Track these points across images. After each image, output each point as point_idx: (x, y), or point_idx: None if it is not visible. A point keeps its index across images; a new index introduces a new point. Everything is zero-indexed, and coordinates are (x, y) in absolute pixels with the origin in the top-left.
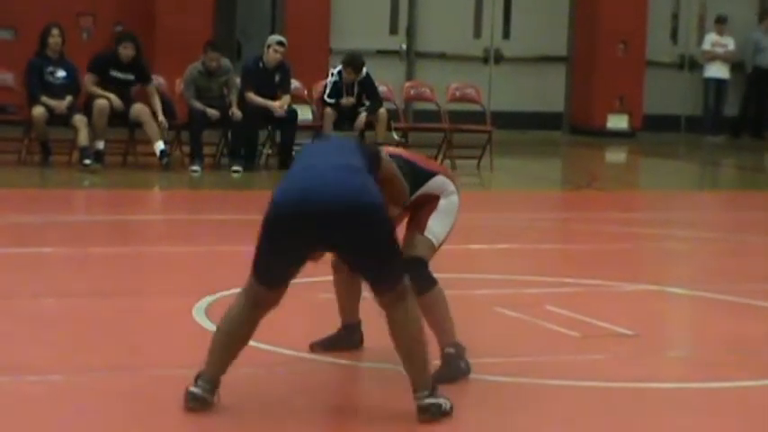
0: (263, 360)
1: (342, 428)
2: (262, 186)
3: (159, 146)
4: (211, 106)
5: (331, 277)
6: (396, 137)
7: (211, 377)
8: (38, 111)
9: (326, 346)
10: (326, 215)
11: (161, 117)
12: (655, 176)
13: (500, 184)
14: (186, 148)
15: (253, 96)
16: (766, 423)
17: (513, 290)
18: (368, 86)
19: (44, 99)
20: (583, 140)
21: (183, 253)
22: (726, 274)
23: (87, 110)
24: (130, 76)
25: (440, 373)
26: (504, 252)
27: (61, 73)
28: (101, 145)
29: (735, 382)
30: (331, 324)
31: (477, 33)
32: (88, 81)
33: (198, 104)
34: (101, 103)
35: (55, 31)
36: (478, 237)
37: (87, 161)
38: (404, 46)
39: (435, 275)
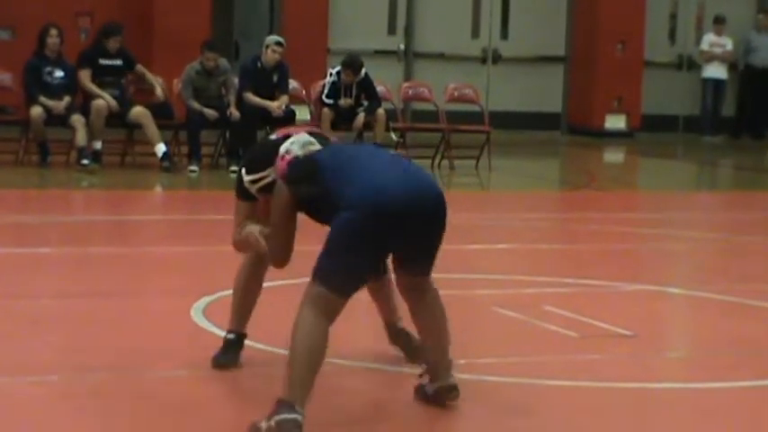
0: (262, 360)
1: (341, 428)
2: None
3: (161, 148)
4: (209, 106)
5: None
6: (394, 137)
7: (304, 401)
8: (36, 111)
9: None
10: (430, 209)
11: (159, 91)
12: (653, 177)
13: (498, 184)
14: (184, 149)
15: (251, 96)
16: (765, 423)
17: (512, 290)
18: (366, 87)
19: (42, 99)
20: (581, 141)
21: (180, 253)
22: (724, 274)
23: (85, 110)
24: (118, 62)
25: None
26: (503, 252)
27: (59, 73)
28: (98, 145)
29: (734, 382)
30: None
31: (476, 33)
32: (83, 77)
33: (196, 105)
34: (98, 103)
35: (53, 32)
36: (477, 237)
37: (85, 161)
38: (402, 46)
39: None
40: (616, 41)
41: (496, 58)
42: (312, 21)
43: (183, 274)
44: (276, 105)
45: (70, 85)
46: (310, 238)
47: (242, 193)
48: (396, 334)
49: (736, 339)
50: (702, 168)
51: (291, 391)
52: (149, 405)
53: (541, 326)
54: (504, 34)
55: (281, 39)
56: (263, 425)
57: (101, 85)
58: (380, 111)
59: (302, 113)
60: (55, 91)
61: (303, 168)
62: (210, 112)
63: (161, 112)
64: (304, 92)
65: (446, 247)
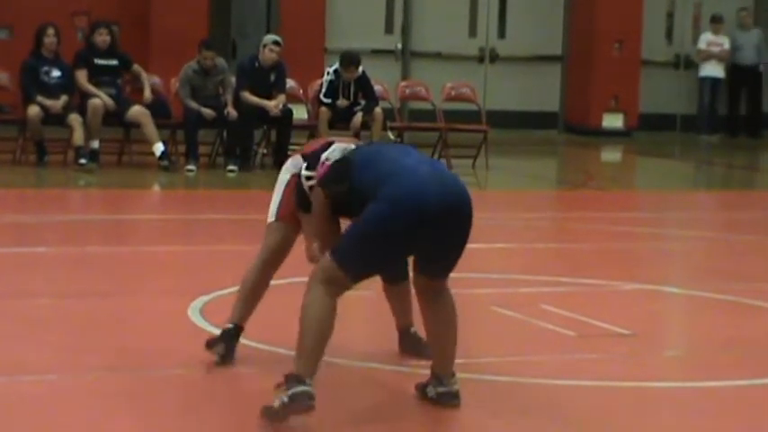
0: (260, 358)
1: (341, 428)
2: (257, 186)
3: (159, 147)
4: (207, 106)
5: None
6: (391, 136)
7: (312, 373)
8: (33, 110)
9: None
10: (460, 213)
11: (147, 93)
12: (650, 176)
13: (496, 183)
14: (182, 148)
15: (248, 96)
16: (763, 422)
17: (509, 289)
18: (364, 85)
19: (39, 99)
20: (578, 140)
21: (178, 252)
22: (722, 273)
23: (82, 109)
24: (114, 61)
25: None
26: (500, 251)
27: (56, 73)
28: (96, 144)
29: (732, 381)
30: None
31: (473, 33)
32: (80, 77)
33: (193, 104)
34: (95, 102)
35: (50, 31)
36: (474, 236)
37: (83, 161)
38: (399, 45)
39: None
40: (613, 41)
41: (494, 58)
42: (309, 20)
43: (180, 274)
44: (273, 105)
45: (67, 85)
46: None
47: (302, 204)
48: (408, 340)
49: (733, 338)
50: (700, 167)
51: (300, 365)
52: (147, 404)
53: (539, 325)
54: (502, 33)
55: (278, 38)
56: (276, 403)
57: (97, 85)
58: (378, 110)
59: (299, 113)
60: (52, 90)
61: (336, 169)
62: (208, 112)
63: (158, 112)
64: (301, 91)
65: None
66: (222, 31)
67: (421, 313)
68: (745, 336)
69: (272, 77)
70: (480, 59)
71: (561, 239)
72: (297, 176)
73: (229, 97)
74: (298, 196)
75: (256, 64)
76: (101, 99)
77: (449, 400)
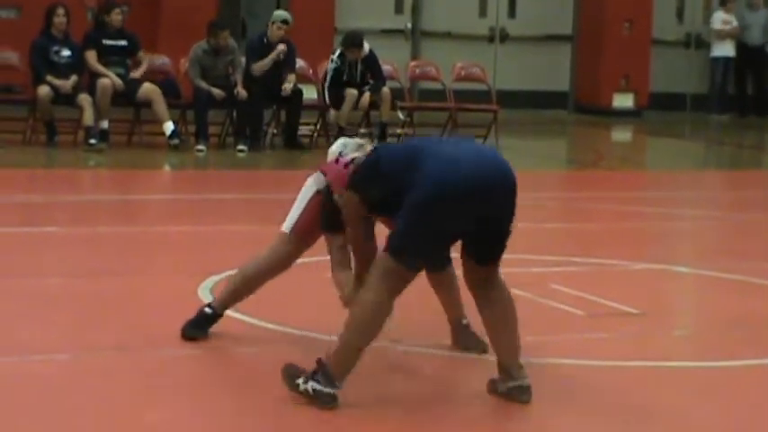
0: (269, 338)
1: (348, 407)
2: (267, 166)
3: (169, 126)
4: (216, 86)
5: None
6: (401, 116)
7: (345, 375)
8: (43, 90)
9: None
10: (501, 191)
11: (138, 72)
12: (661, 155)
13: None
14: (191, 128)
15: (259, 64)
16: None
17: (519, 269)
18: (371, 65)
19: (49, 78)
20: (588, 119)
21: (188, 232)
22: (731, 252)
23: (92, 89)
24: (123, 42)
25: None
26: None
27: (66, 52)
28: (105, 124)
29: (741, 360)
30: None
31: (483, 12)
32: (90, 58)
33: (203, 84)
34: (104, 82)
35: (60, 11)
36: None
37: (93, 141)
38: (409, 25)
39: None
40: (623, 20)
41: (504, 37)
42: (319, 0)
43: (190, 253)
44: (284, 85)
45: (77, 65)
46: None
47: (329, 223)
48: (461, 332)
49: (742, 317)
50: (710, 147)
51: (337, 364)
52: (157, 383)
53: (549, 304)
54: (512, 13)
55: (287, 16)
56: (301, 383)
57: (106, 65)
58: (386, 89)
59: (309, 92)
60: (62, 70)
61: (367, 170)
62: (218, 92)
63: (168, 92)
64: (311, 71)
65: None
66: (232, 10)
67: (477, 309)
68: (754, 315)
69: (282, 56)
70: (490, 39)
71: (571, 219)
72: (320, 194)
73: (239, 77)
74: (324, 216)
75: (265, 41)
76: (110, 79)
77: (519, 395)
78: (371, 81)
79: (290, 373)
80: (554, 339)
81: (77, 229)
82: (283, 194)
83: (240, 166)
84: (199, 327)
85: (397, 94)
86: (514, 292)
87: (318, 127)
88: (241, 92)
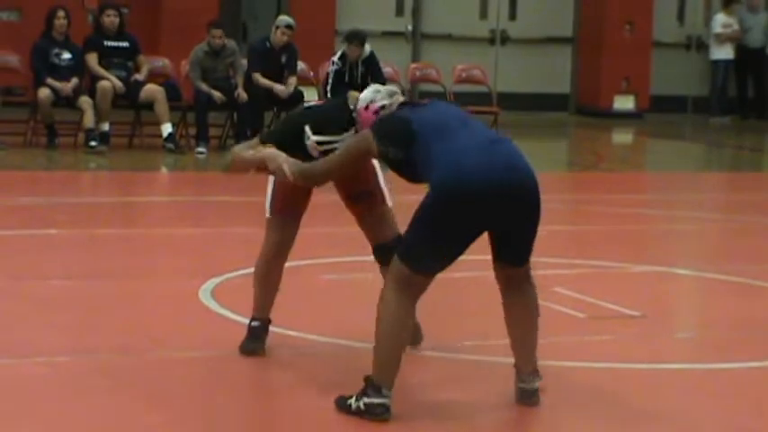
0: (270, 341)
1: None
2: None
3: (167, 128)
4: (217, 87)
5: (332, 259)
6: None
7: (391, 382)
8: (44, 92)
9: None
10: (528, 192)
11: (140, 75)
12: (661, 157)
13: None
14: (192, 130)
15: (259, 77)
16: None
17: None
18: (372, 66)
19: (50, 81)
20: (589, 121)
21: (189, 235)
22: (733, 255)
23: (92, 92)
24: (124, 44)
25: None
26: None
27: (67, 55)
28: (106, 127)
29: (742, 363)
30: (335, 305)
31: (484, 14)
32: (91, 60)
33: (204, 86)
34: (104, 84)
35: (60, 13)
36: None
37: (93, 143)
38: (410, 27)
39: None
40: (624, 22)
41: (504, 39)
42: (320, 2)
43: (191, 256)
44: (283, 89)
45: (77, 67)
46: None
47: (274, 138)
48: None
49: (743, 320)
50: (710, 149)
51: (379, 373)
52: (158, 386)
53: (550, 307)
54: (513, 15)
55: (291, 21)
56: (353, 403)
57: (107, 68)
58: None
59: (310, 94)
60: (63, 73)
61: (396, 130)
62: (218, 96)
63: (169, 94)
64: (312, 73)
65: None
66: (233, 13)
67: (503, 308)
68: (756, 317)
69: (284, 59)
70: (491, 41)
71: (572, 221)
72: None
73: (240, 79)
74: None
75: (268, 45)
76: (110, 81)
77: (527, 397)
78: (372, 83)
79: (342, 400)
80: (555, 341)
81: (78, 232)
82: None
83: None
84: (254, 340)
85: None
86: None
87: None
88: (242, 94)
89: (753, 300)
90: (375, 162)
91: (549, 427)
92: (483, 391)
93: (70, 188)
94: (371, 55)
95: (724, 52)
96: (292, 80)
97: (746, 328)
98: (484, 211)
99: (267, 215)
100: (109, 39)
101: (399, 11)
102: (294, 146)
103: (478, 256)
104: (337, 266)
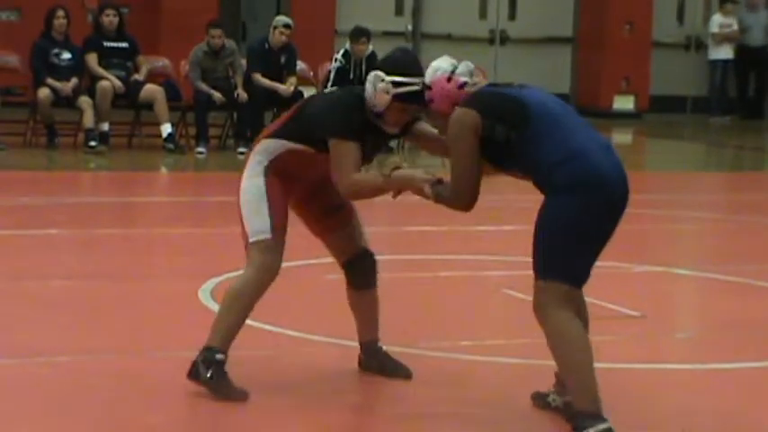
0: (270, 343)
1: (350, 410)
2: None
3: (166, 128)
4: (216, 88)
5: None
6: None
7: (599, 404)
8: (43, 92)
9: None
10: (626, 195)
11: (139, 75)
12: (661, 158)
13: None
14: (192, 130)
15: (259, 78)
16: None
17: (520, 271)
18: (374, 64)
19: (49, 81)
20: (589, 121)
21: (188, 235)
22: (733, 255)
23: (92, 92)
24: (124, 44)
25: None
26: (511, 233)
27: (66, 55)
28: (106, 127)
29: (742, 363)
30: (337, 306)
31: (483, 14)
32: (90, 61)
33: (203, 86)
34: (104, 84)
35: (60, 13)
36: (484, 218)
37: (93, 143)
38: (410, 27)
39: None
40: (624, 22)
41: (504, 39)
42: (320, 2)
43: (190, 256)
44: (284, 88)
45: (77, 67)
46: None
47: (348, 129)
48: (373, 354)
49: (743, 320)
50: (710, 149)
51: (585, 399)
52: (159, 386)
53: None
54: (512, 15)
55: (289, 21)
56: None
57: (107, 68)
58: None
59: (309, 94)
60: (62, 73)
61: (508, 108)
62: (218, 96)
63: (169, 94)
64: (312, 73)
65: (454, 229)
66: (232, 13)
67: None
68: (756, 317)
69: (283, 60)
70: (491, 41)
71: None
72: (273, 174)
73: (239, 79)
74: (339, 125)
75: (266, 46)
76: (110, 81)
77: (567, 410)
78: None
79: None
80: None
81: (78, 232)
82: None
83: (240, 169)
84: (227, 378)
85: None
86: (515, 295)
87: None
88: (241, 94)
89: (753, 300)
90: None
91: (550, 427)
92: (483, 391)
93: (70, 188)
94: (373, 54)
95: (722, 52)
96: (292, 80)
97: (747, 328)
98: (609, 206)
99: (261, 237)
100: (108, 39)
101: (399, 11)
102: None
103: (475, 256)
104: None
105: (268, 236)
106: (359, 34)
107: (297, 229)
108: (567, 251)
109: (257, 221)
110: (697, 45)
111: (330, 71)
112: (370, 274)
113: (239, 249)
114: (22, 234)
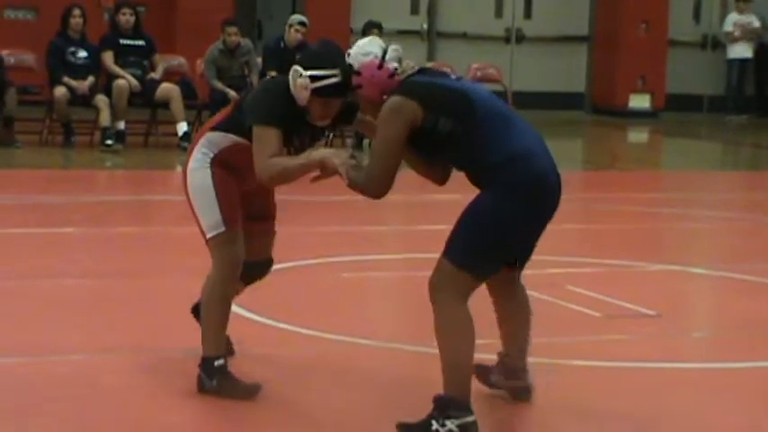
0: (282, 338)
1: (355, 407)
2: None
3: (182, 127)
4: (232, 86)
5: (350, 258)
6: None
7: (469, 394)
8: (60, 91)
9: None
10: (560, 189)
11: (155, 74)
12: (677, 156)
13: None
14: None
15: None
16: None
17: (535, 270)
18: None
19: (66, 80)
20: (605, 120)
21: None
22: (748, 254)
23: (108, 90)
24: (140, 42)
25: None
26: None
27: (83, 53)
28: (122, 125)
29: (757, 362)
30: (351, 303)
31: (499, 13)
32: (107, 59)
33: (219, 85)
34: (120, 83)
35: (76, 12)
36: None
37: (109, 141)
38: (425, 26)
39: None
40: (640, 21)
41: (520, 38)
42: (335, 0)
43: (207, 254)
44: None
45: (93, 66)
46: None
47: (269, 116)
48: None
49: (759, 319)
50: (726, 148)
51: (454, 386)
52: (174, 384)
53: (565, 306)
54: (528, 14)
55: (304, 19)
56: (439, 428)
57: (123, 66)
58: None
59: None
60: (79, 71)
61: (450, 100)
62: (234, 95)
63: (184, 93)
64: None
65: None
66: (248, 12)
67: (494, 305)
68: None
69: (298, 58)
70: (506, 40)
71: (587, 220)
72: (220, 166)
73: (255, 78)
74: (261, 110)
75: (282, 44)
76: (126, 80)
77: (521, 394)
78: None
79: (412, 427)
80: (570, 341)
81: (94, 230)
82: (299, 195)
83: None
84: (235, 379)
85: None
86: (530, 293)
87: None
88: None
89: None
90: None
91: (563, 427)
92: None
93: (86, 187)
94: None
95: (739, 51)
96: None
97: (763, 327)
98: (549, 207)
99: (215, 232)
100: (125, 37)
101: (414, 9)
102: (290, 123)
103: None
104: (355, 265)
105: (222, 229)
106: (370, 27)
107: (311, 228)
108: (491, 249)
109: (209, 216)
110: (713, 44)
111: None
112: (261, 277)
113: None
114: (39, 232)
